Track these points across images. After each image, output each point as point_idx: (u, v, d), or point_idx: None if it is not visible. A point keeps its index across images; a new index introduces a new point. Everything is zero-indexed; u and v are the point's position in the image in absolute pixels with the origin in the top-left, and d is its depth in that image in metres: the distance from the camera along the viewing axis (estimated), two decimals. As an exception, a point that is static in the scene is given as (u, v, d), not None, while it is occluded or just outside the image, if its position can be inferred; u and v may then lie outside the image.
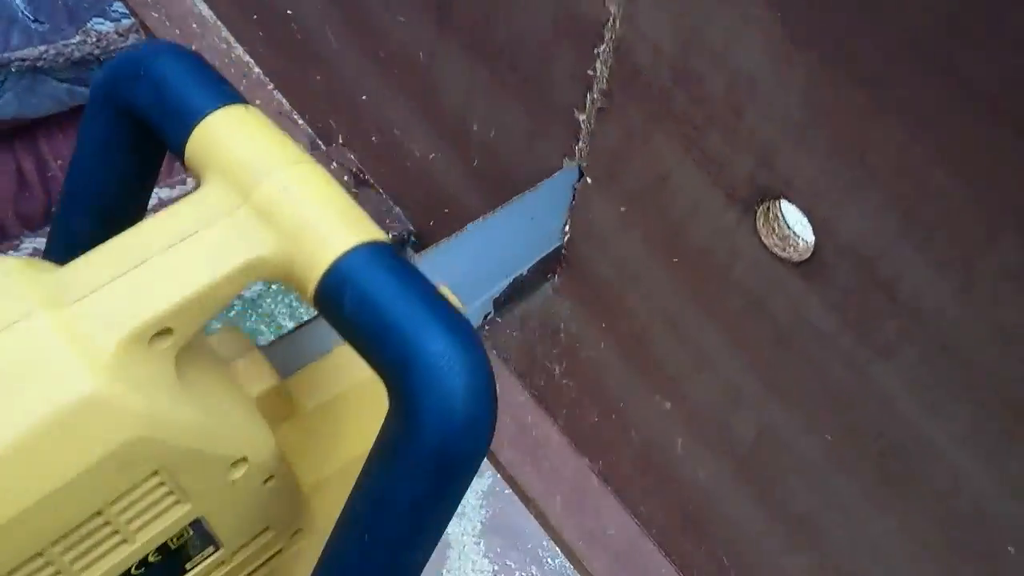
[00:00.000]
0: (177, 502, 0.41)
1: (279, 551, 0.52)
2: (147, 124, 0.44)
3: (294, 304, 2.14)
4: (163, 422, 0.38)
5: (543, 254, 0.72)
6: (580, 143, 0.63)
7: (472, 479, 0.39)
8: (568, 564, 1.92)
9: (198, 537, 0.44)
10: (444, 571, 1.85)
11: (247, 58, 0.98)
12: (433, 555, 0.43)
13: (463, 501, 0.42)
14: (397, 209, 0.90)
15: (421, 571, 0.42)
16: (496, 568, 1.88)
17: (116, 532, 0.40)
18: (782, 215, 0.54)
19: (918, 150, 0.44)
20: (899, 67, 0.43)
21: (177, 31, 0.99)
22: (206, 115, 0.41)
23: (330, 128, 0.93)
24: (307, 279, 0.39)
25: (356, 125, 0.89)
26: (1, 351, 0.35)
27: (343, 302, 0.38)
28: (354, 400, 0.55)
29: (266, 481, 0.45)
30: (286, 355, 0.53)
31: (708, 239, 0.57)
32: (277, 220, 0.39)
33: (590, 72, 0.59)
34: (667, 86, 0.54)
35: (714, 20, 0.50)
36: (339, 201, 0.40)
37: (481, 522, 1.92)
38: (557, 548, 1.90)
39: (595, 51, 0.57)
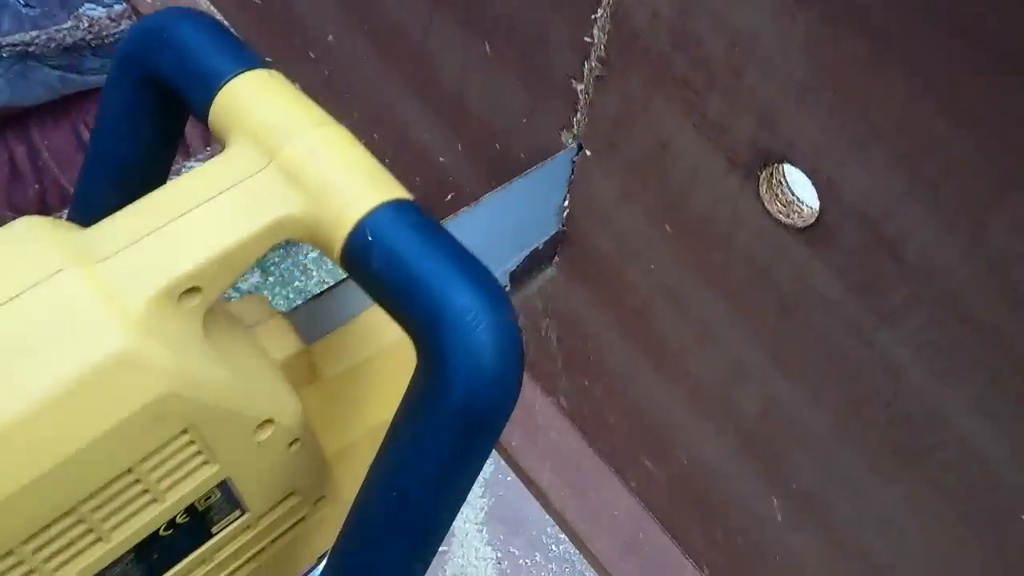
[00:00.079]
0: (205, 462, 0.42)
1: (303, 518, 0.52)
2: (170, 89, 0.44)
3: (291, 296, 2.14)
4: (192, 379, 0.38)
5: (543, 239, 0.72)
6: (578, 115, 0.62)
7: (499, 436, 0.39)
8: (572, 549, 1.92)
9: (225, 500, 0.45)
10: (447, 559, 1.85)
11: (241, 41, 0.97)
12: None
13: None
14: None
15: (447, 529, 0.42)
16: (499, 555, 1.88)
17: (146, 491, 0.40)
18: (785, 180, 0.53)
19: (922, 105, 0.43)
20: (901, 19, 0.41)
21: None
22: (230, 79, 0.42)
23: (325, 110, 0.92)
24: (334, 238, 0.39)
25: (351, 106, 0.88)
26: (31, 308, 0.35)
27: (370, 259, 0.38)
28: (376, 367, 0.55)
29: (291, 444, 0.46)
30: (308, 322, 0.53)
31: (710, 207, 0.56)
32: (303, 180, 0.39)
33: (587, 39, 0.57)
34: (666, 50, 0.53)
35: (713, -21, 0.48)
36: (364, 162, 0.41)
37: (484, 509, 1.91)
38: (561, 534, 1.89)
39: (592, 17, 0.56)
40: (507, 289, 0.70)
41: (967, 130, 0.41)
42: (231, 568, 0.50)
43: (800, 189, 0.53)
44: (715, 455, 0.69)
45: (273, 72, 0.43)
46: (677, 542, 0.79)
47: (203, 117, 0.43)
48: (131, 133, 0.48)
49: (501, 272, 0.68)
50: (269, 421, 0.43)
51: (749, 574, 0.73)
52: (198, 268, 0.38)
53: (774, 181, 0.52)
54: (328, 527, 0.55)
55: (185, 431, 0.39)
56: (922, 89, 0.42)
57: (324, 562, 0.45)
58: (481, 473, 0.42)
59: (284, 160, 0.40)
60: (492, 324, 0.36)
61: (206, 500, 0.44)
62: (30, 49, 0.93)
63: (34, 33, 0.94)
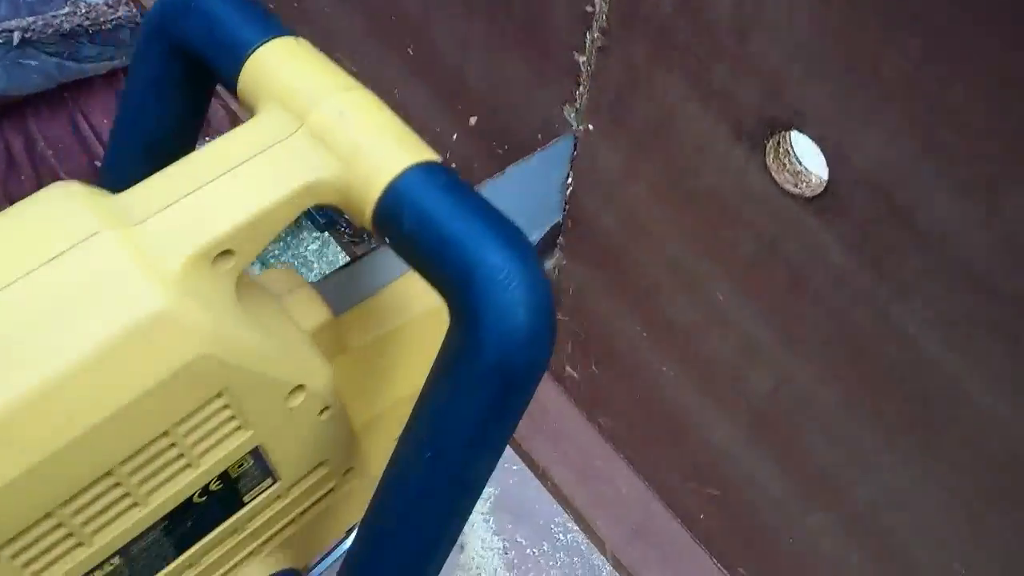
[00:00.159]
0: (238, 428, 0.42)
1: (331, 490, 0.53)
2: (198, 59, 0.45)
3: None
4: (228, 341, 0.38)
5: (547, 226, 0.71)
6: (580, 88, 0.61)
7: (532, 394, 0.39)
8: (580, 538, 1.91)
9: (257, 468, 0.45)
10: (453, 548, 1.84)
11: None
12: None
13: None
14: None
15: (483, 489, 0.42)
16: (507, 544, 1.86)
17: (181, 455, 0.41)
18: (792, 150, 0.51)
19: (934, 67, 0.41)
20: (915, -25, 0.40)
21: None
22: (258, 47, 0.42)
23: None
24: (365, 200, 0.39)
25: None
26: (69, 270, 0.35)
27: (402, 221, 0.38)
28: (403, 339, 0.56)
29: (322, 412, 0.46)
30: (336, 294, 0.53)
31: (716, 180, 0.54)
32: (333, 144, 0.40)
33: (589, 8, 0.56)
34: (669, 16, 0.51)
35: (716, -59, 0.47)
36: (393, 124, 0.41)
37: (490, 499, 1.90)
38: (569, 523, 1.89)
39: (593, -14, 0.55)
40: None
41: (982, 91, 0.40)
42: (261, 539, 0.51)
43: (808, 160, 0.51)
44: (725, 437, 0.68)
45: (300, 39, 0.43)
46: (686, 526, 0.78)
47: (231, 86, 0.43)
48: (159, 104, 0.48)
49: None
50: (300, 387, 0.44)
51: (761, 557, 0.71)
52: (232, 231, 0.38)
53: (781, 151, 0.51)
54: (356, 500, 0.56)
55: (220, 394, 0.40)
56: (935, 50, 0.41)
57: (353, 534, 0.46)
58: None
59: (314, 124, 0.40)
60: (524, 281, 0.37)
61: (239, 467, 0.44)
62: (26, 35, 0.92)
63: (31, 19, 0.93)
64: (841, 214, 0.49)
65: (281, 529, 0.52)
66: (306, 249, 2.27)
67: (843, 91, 0.45)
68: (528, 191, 0.67)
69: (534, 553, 1.86)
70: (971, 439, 0.50)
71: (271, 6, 0.90)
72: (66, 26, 0.96)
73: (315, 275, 2.23)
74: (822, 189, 0.49)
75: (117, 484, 0.39)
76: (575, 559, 1.86)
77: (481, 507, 1.89)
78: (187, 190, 0.38)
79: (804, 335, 0.56)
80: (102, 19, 1.01)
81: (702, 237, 0.58)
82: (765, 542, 0.70)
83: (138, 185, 0.39)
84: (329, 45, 0.85)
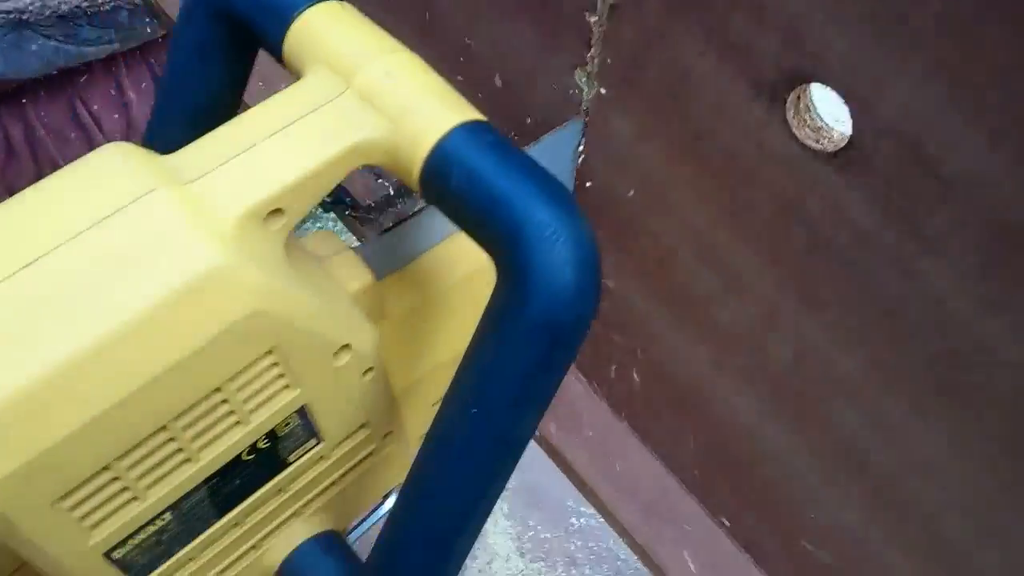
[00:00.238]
0: (287, 386, 0.44)
1: (371, 453, 0.54)
2: (243, 23, 0.45)
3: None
4: (279, 298, 0.39)
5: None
6: (592, 51, 0.59)
7: (578, 350, 0.40)
8: (594, 523, 1.90)
9: (302, 427, 0.47)
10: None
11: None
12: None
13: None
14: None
15: (526, 445, 0.43)
16: (519, 529, 1.85)
17: (232, 412, 0.42)
18: (813, 105, 0.50)
19: (964, 5, 0.39)
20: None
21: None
22: (303, 10, 0.43)
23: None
24: (413, 160, 0.40)
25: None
26: (127, 226, 0.36)
27: (450, 179, 0.39)
28: (442, 306, 0.57)
29: (366, 373, 0.48)
30: (377, 259, 0.54)
31: (734, 139, 0.53)
32: (381, 105, 0.40)
33: (599, -34, 0.54)
34: (683, -32, 0.50)
35: None
36: (439, 85, 0.41)
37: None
38: (583, 507, 1.88)
39: (604, -59, 0.53)
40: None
41: (1013, 27, 0.38)
42: (304, 500, 0.52)
43: (828, 116, 0.50)
44: (745, 410, 0.66)
45: (344, 3, 0.44)
46: (705, 505, 0.76)
47: (276, 50, 0.44)
48: (202, 68, 0.49)
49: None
50: (347, 347, 0.45)
51: (782, 534, 0.70)
52: (283, 190, 0.39)
53: (802, 105, 0.49)
54: (394, 464, 0.57)
55: (270, 351, 0.41)
56: (965, -13, 0.39)
57: (391, 499, 0.46)
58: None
59: (361, 85, 0.41)
60: (571, 237, 0.37)
61: (286, 426, 0.46)
62: (24, 17, 0.90)
63: (28, 0, 0.92)
64: (865, 168, 0.47)
65: (323, 491, 0.53)
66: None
67: (867, 36, 0.43)
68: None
69: (548, 538, 1.85)
70: (1002, 401, 0.48)
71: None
72: (64, 7, 0.95)
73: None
74: (844, 143, 0.47)
75: (171, 439, 0.40)
76: (590, 543, 1.85)
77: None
78: (238, 150, 0.39)
79: (826, 299, 0.54)
80: (100, 0, 1.00)
81: (719, 200, 0.57)
82: (785, 517, 0.68)
83: (189, 145, 0.40)
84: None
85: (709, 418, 0.69)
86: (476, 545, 1.84)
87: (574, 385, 0.81)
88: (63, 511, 0.39)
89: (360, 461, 0.54)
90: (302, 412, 0.46)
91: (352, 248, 0.52)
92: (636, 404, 0.77)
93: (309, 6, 0.43)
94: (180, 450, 0.41)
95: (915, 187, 0.45)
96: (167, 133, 0.51)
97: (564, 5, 0.59)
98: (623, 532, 0.79)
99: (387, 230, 0.57)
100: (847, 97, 0.46)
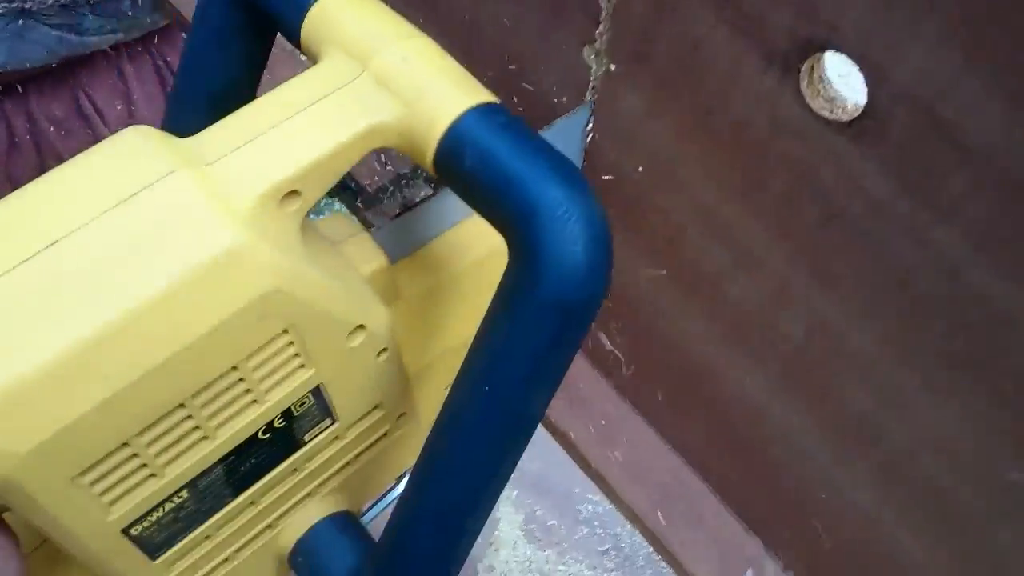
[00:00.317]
0: (302, 365, 0.44)
1: (385, 434, 0.55)
2: (261, 8, 0.46)
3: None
4: (294, 277, 0.40)
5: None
6: (601, 27, 0.59)
7: (589, 328, 0.41)
8: (601, 510, 1.89)
9: (317, 407, 0.48)
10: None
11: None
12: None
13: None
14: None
15: (537, 425, 0.43)
16: (525, 516, 1.85)
17: (248, 391, 0.43)
18: (827, 75, 0.49)
19: (983, -33, 0.39)
20: None
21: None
22: None
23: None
24: (427, 141, 0.41)
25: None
26: (147, 206, 0.37)
27: (464, 159, 0.40)
28: (454, 289, 0.59)
29: (379, 354, 0.48)
30: (390, 242, 0.54)
31: (746, 112, 0.53)
32: (396, 88, 0.41)
33: (609, -62, 0.54)
34: (695, -62, 0.49)
35: None
36: (453, 69, 0.42)
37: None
38: (589, 494, 1.87)
39: (613, -86, 0.53)
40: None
41: (1033, -14, 0.38)
42: (319, 480, 0.53)
43: (841, 87, 0.49)
44: (755, 389, 0.66)
45: None
46: (714, 488, 0.76)
47: (294, 35, 0.45)
48: (221, 54, 0.50)
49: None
50: (361, 327, 0.46)
51: (792, 514, 0.69)
52: (300, 171, 0.40)
53: (815, 76, 0.49)
54: (408, 446, 0.58)
55: (286, 331, 0.42)
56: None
57: (404, 481, 0.47)
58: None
59: (377, 69, 0.42)
60: (583, 216, 0.38)
61: (301, 405, 0.46)
62: (27, 6, 0.90)
63: (30, -12, 0.92)
64: (880, 136, 0.47)
65: (338, 471, 0.54)
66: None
67: (882, 1, 0.43)
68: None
69: (554, 526, 1.84)
70: (1019, 372, 0.48)
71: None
72: (67, -4, 0.95)
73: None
74: (859, 113, 0.47)
75: (189, 416, 0.41)
76: (598, 531, 1.84)
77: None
78: (256, 133, 0.40)
79: (838, 273, 0.54)
80: (103, -12, 1.00)
81: (730, 175, 0.56)
82: (796, 499, 0.68)
83: (208, 128, 0.41)
84: None
85: (718, 399, 0.69)
86: (483, 532, 1.84)
87: (581, 367, 0.81)
88: (83, 487, 0.39)
89: (374, 442, 0.55)
90: (317, 392, 0.47)
91: (366, 231, 0.53)
92: (643, 386, 0.77)
93: None
94: (197, 427, 0.42)
95: (931, 154, 0.45)
96: (186, 117, 0.52)
97: (573, -20, 0.59)
98: (632, 517, 0.78)
99: (400, 214, 0.58)
100: (862, 64, 0.45)
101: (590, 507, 1.86)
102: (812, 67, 0.49)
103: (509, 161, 0.39)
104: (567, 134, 0.65)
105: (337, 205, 2.25)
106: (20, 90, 1.07)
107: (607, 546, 1.85)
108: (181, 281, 0.37)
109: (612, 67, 0.60)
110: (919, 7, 0.42)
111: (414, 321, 0.57)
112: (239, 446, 0.45)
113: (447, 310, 0.59)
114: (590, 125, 0.65)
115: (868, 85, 0.46)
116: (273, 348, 0.42)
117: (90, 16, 0.98)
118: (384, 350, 0.49)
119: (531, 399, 0.42)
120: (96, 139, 1.15)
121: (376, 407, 0.52)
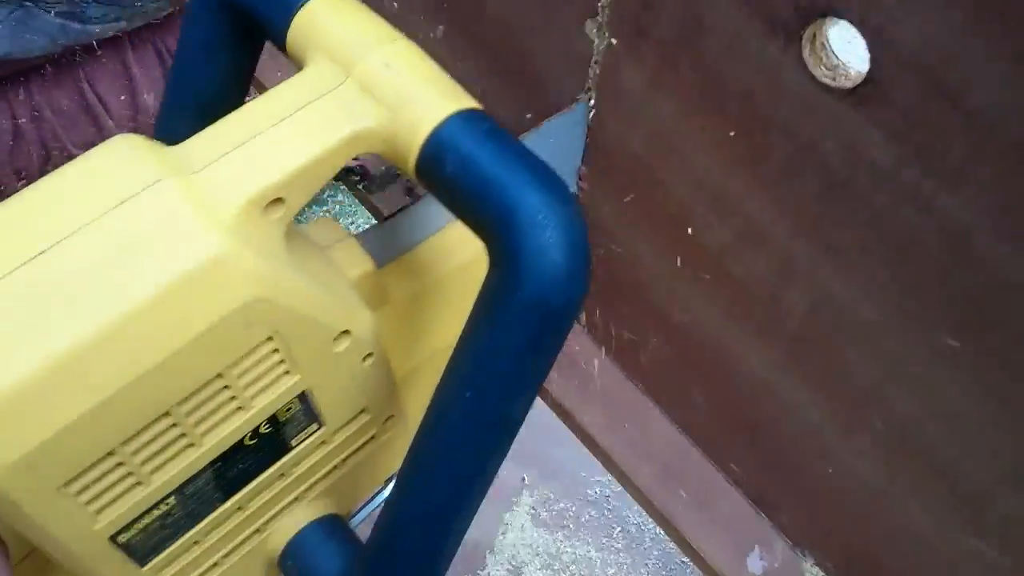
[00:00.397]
0: (287, 372, 0.45)
1: (372, 437, 0.55)
2: (248, 14, 0.47)
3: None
4: (278, 285, 0.41)
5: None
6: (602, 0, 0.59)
7: (568, 332, 0.41)
8: (609, 491, 1.89)
9: (304, 412, 0.48)
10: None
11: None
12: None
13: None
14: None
15: (519, 426, 0.44)
16: (534, 500, 1.85)
17: (234, 397, 0.43)
18: (829, 43, 0.49)
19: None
20: None
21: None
22: (307, 1, 0.44)
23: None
24: (410, 147, 0.41)
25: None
26: (133, 215, 0.38)
27: (445, 165, 0.40)
28: (441, 292, 0.59)
29: (365, 358, 0.49)
30: (377, 247, 0.54)
31: (749, 82, 0.52)
32: (380, 94, 0.41)
33: (609, -90, 0.54)
34: (696, -94, 0.49)
35: None
36: (436, 75, 0.42)
37: (518, 453, 1.88)
38: (597, 476, 1.87)
39: None
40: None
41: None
42: (306, 484, 0.53)
43: (844, 54, 0.49)
44: (760, 365, 0.66)
45: None
46: (721, 467, 0.76)
47: (281, 41, 0.45)
48: (209, 61, 0.51)
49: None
50: (346, 332, 0.46)
51: (799, 490, 0.69)
52: (283, 179, 0.40)
53: (817, 43, 0.49)
54: (396, 449, 0.58)
55: (270, 338, 0.42)
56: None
57: (392, 483, 0.47)
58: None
59: (361, 75, 0.42)
60: (562, 222, 0.38)
61: (287, 411, 0.47)
62: (29, -8, 0.90)
63: (33, -26, 0.92)
64: (883, 103, 0.46)
65: (325, 475, 0.54)
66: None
67: (885, -35, 0.43)
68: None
69: (562, 508, 1.85)
70: (1024, 339, 0.48)
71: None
72: (69, -19, 0.95)
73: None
74: (861, 80, 0.47)
75: (174, 424, 0.41)
76: (605, 513, 1.84)
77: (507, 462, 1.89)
78: (240, 140, 0.40)
79: (844, 244, 0.54)
80: (105, -25, 1.00)
81: (734, 148, 0.56)
82: (803, 474, 0.68)
83: (194, 136, 0.41)
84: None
85: (723, 375, 0.69)
86: (490, 515, 1.84)
87: (586, 348, 0.81)
88: (69, 496, 0.40)
89: (362, 446, 0.55)
90: (303, 397, 0.47)
91: (353, 236, 0.53)
92: (648, 364, 0.77)
93: None
94: (183, 435, 0.42)
95: (935, 119, 0.45)
96: (175, 124, 0.52)
97: (574, -46, 0.58)
98: (639, 496, 0.78)
99: (388, 218, 0.58)
100: (863, 29, 0.45)
101: (598, 489, 1.86)
102: (814, 34, 0.48)
103: (489, 167, 0.39)
104: (565, 130, 0.65)
105: (340, 196, 2.25)
106: (24, 82, 1.07)
107: (615, 528, 1.85)
108: (166, 290, 0.37)
109: (614, 41, 0.59)
110: (921, -31, 0.41)
111: (401, 325, 0.57)
112: (225, 452, 0.45)
113: (433, 314, 0.59)
114: (591, 115, 0.65)
115: (870, 51, 0.46)
116: (258, 355, 0.42)
117: (93, 4, 0.98)
118: (370, 355, 0.49)
119: (512, 401, 0.42)
120: (100, 128, 1.15)
121: (363, 411, 0.52)
